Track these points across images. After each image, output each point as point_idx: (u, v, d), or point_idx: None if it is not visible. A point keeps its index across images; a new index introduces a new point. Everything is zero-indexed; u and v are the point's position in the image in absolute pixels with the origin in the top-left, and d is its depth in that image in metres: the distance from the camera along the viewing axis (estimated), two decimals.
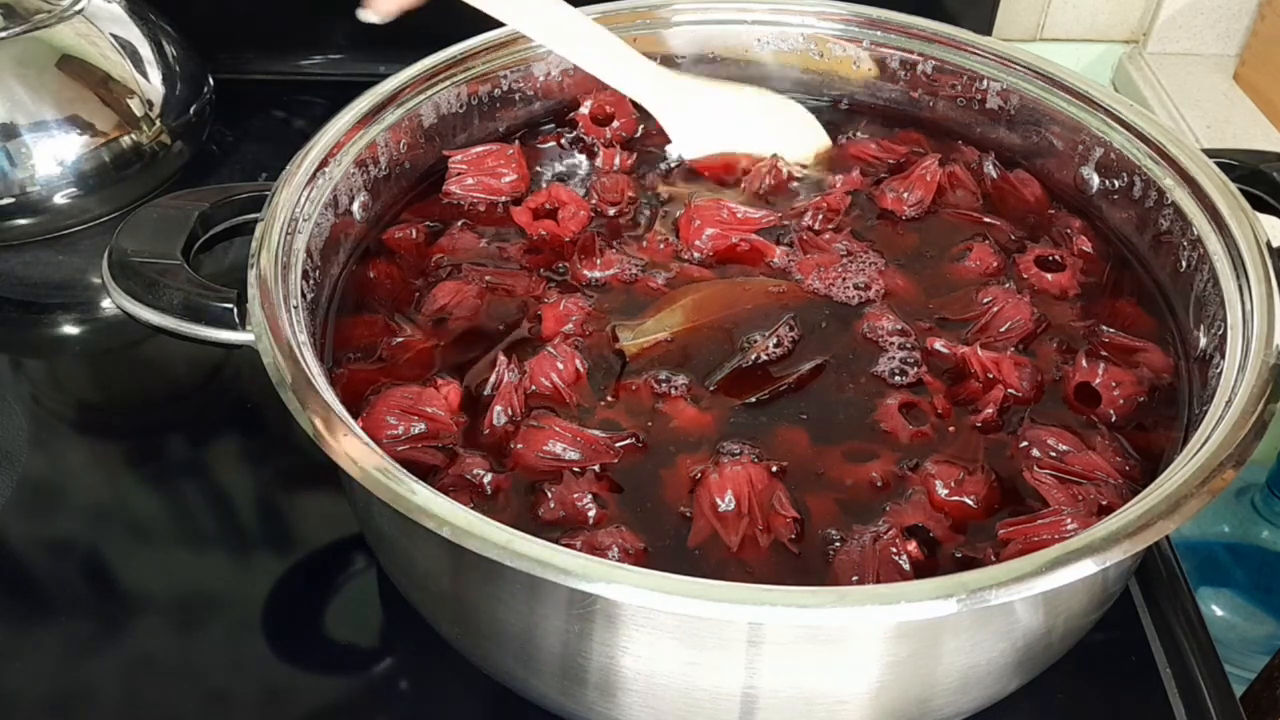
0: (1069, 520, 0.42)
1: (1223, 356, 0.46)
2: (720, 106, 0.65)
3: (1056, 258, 0.57)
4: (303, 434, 0.39)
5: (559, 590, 0.35)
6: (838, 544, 0.43)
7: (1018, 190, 0.62)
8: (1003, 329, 0.52)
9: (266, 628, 0.51)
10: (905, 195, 0.61)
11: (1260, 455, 0.49)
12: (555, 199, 0.60)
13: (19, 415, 0.64)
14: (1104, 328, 0.53)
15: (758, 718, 0.39)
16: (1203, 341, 0.50)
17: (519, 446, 0.46)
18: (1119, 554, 0.35)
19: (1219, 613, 0.74)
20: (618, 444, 0.46)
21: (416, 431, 0.47)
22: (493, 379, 0.49)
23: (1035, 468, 0.45)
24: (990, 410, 0.48)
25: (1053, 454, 0.46)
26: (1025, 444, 0.47)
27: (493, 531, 0.35)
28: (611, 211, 0.61)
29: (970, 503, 0.44)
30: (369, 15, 0.56)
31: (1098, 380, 0.49)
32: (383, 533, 0.46)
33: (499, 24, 0.63)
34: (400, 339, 0.52)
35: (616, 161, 0.64)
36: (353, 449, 0.38)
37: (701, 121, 0.65)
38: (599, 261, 0.56)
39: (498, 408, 0.48)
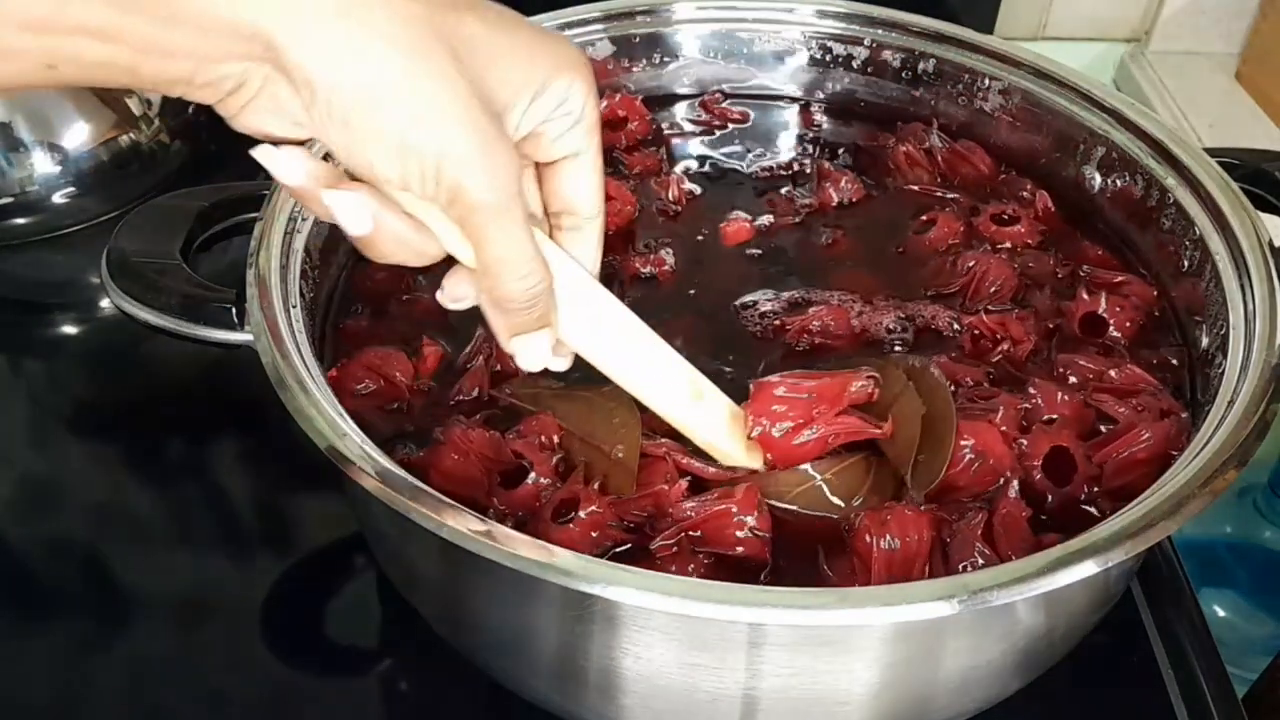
0: (1144, 431, 0.44)
1: (1225, 356, 0.46)
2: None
3: (1009, 214, 0.59)
4: (302, 434, 0.39)
5: (558, 591, 0.35)
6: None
7: (968, 159, 0.64)
8: (991, 290, 0.54)
9: (266, 628, 0.51)
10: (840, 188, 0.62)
11: (1262, 455, 0.49)
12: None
13: (19, 415, 0.64)
14: (1085, 268, 0.55)
15: (758, 718, 0.39)
16: (1205, 341, 0.50)
17: (429, 468, 0.44)
18: (1120, 554, 0.35)
19: (1221, 613, 0.74)
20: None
21: (371, 389, 0.48)
22: (468, 350, 0.50)
23: (1092, 391, 0.47)
24: (1028, 345, 0.50)
25: (1090, 375, 0.49)
26: (1062, 371, 0.49)
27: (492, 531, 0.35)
28: (673, 210, 0.61)
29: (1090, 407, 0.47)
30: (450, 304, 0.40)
31: (1102, 308, 0.52)
32: (382, 533, 0.46)
33: None
34: (410, 296, 0.53)
35: (638, 168, 0.64)
36: (351, 450, 0.38)
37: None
38: (651, 257, 0.56)
39: (467, 385, 0.48)
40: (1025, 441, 0.44)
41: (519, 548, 0.34)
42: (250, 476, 0.60)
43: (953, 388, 0.46)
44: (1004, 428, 0.44)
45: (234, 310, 0.45)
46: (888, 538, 0.40)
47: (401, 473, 0.37)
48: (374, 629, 0.52)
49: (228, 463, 0.61)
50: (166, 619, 0.52)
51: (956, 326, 0.52)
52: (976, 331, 0.52)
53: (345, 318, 0.53)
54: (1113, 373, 0.48)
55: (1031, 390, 0.47)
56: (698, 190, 0.63)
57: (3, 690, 0.49)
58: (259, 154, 0.33)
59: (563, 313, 0.38)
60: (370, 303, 0.54)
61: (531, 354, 0.38)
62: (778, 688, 0.38)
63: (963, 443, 0.43)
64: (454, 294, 0.37)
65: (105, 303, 0.67)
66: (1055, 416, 0.46)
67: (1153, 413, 0.46)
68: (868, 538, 0.40)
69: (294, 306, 0.45)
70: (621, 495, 0.42)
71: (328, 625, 0.52)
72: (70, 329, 0.71)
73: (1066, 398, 0.47)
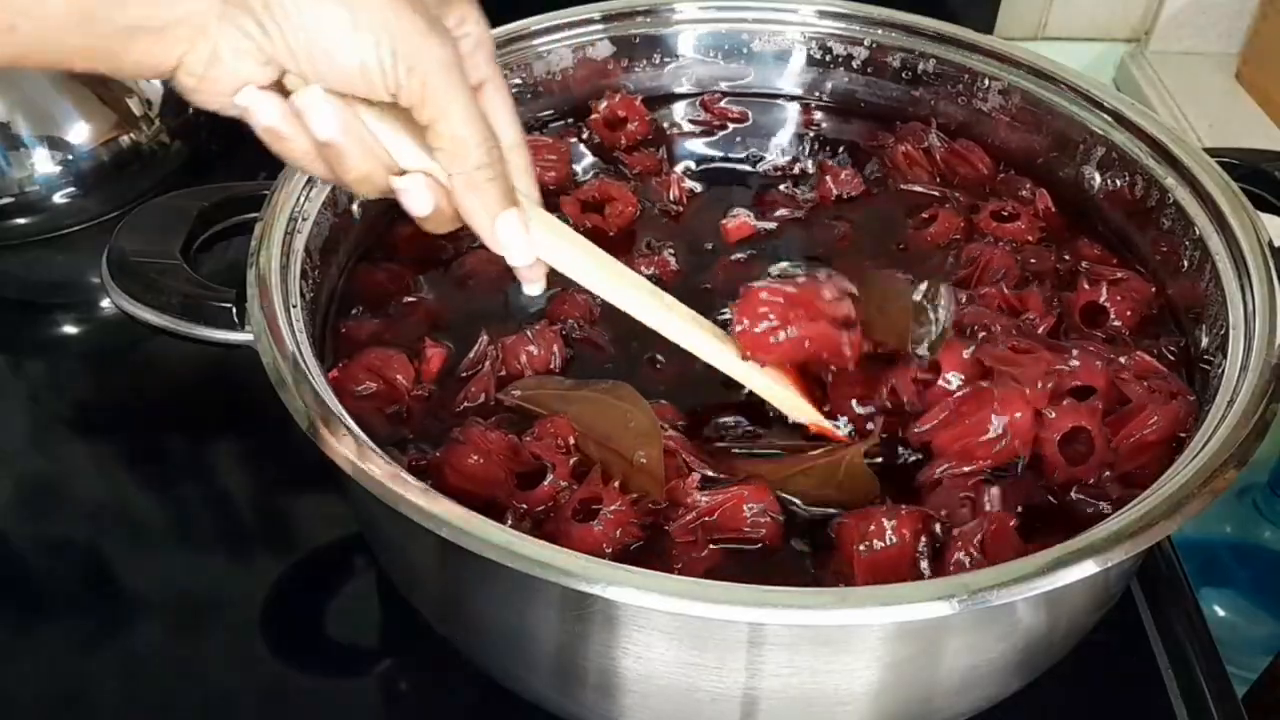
0: (1153, 414, 0.45)
1: (1224, 356, 0.46)
2: None
3: (1008, 210, 0.59)
4: (302, 434, 0.39)
5: (558, 591, 0.35)
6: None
7: (967, 159, 0.64)
8: (995, 280, 0.54)
9: (266, 628, 0.51)
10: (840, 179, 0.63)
11: (1262, 455, 0.49)
12: (604, 194, 0.60)
13: (19, 415, 0.64)
14: (1084, 264, 0.56)
15: (758, 718, 0.39)
16: (1204, 341, 0.49)
17: (446, 468, 0.44)
18: (1120, 554, 0.35)
19: (1221, 613, 0.74)
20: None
21: (372, 391, 0.48)
22: (471, 355, 0.50)
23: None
24: (1051, 321, 0.51)
25: (1101, 360, 0.48)
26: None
27: (492, 532, 0.35)
28: (674, 210, 0.61)
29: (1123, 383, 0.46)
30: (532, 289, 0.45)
31: (1102, 297, 0.52)
32: (382, 532, 0.46)
33: (496, 24, 0.64)
34: (411, 298, 0.53)
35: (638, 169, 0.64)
36: (352, 450, 0.38)
37: None
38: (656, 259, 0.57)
39: (472, 389, 0.48)
40: (1053, 413, 0.45)
41: (519, 547, 0.34)
42: (250, 476, 0.60)
43: (983, 333, 0.48)
44: (1036, 406, 0.44)
45: (234, 310, 0.45)
46: (870, 542, 0.40)
47: (402, 472, 0.37)
48: (374, 629, 0.52)
49: (228, 463, 0.61)
50: (166, 619, 0.52)
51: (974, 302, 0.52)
52: (996, 305, 0.52)
53: (345, 318, 0.53)
54: (1123, 359, 0.48)
55: (1074, 352, 0.46)
56: (699, 189, 0.63)
57: (3, 690, 0.49)
58: (241, 97, 0.36)
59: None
60: (370, 303, 0.54)
61: (515, 239, 0.41)
62: (778, 687, 0.38)
63: (994, 417, 0.44)
64: (414, 190, 0.39)
65: (105, 303, 0.67)
66: (1093, 387, 0.46)
67: (1162, 395, 0.46)
68: (850, 543, 0.41)
69: (294, 306, 0.46)
70: (647, 497, 0.43)
71: (328, 625, 0.52)
72: (70, 329, 0.71)
73: (1101, 366, 0.46)
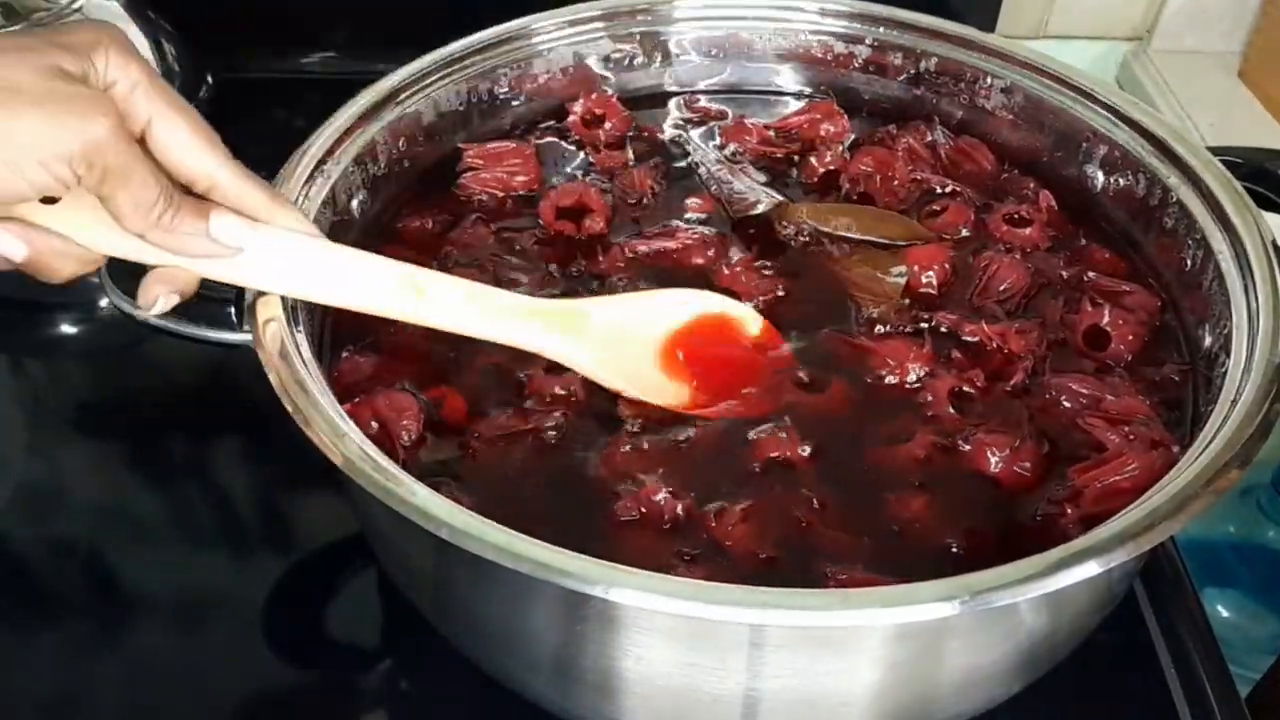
0: (1130, 461, 0.44)
1: (1228, 356, 0.45)
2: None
3: (1022, 214, 0.58)
4: (302, 434, 0.39)
5: (558, 592, 0.35)
6: None
7: (971, 156, 0.64)
8: (1001, 288, 0.54)
9: (266, 628, 0.51)
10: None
11: (1265, 455, 0.48)
12: (580, 201, 0.60)
13: (19, 415, 0.64)
14: (1090, 274, 0.55)
15: (759, 719, 0.39)
16: (1208, 341, 0.49)
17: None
18: (1123, 555, 0.35)
19: (1224, 613, 0.74)
20: None
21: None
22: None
23: (1085, 416, 0.47)
24: (1020, 376, 0.49)
25: (1083, 400, 0.48)
26: (1053, 394, 0.48)
27: (492, 533, 0.35)
28: (632, 201, 0.61)
29: (1024, 471, 0.45)
30: None
31: (1105, 320, 0.51)
32: (382, 532, 0.46)
33: (496, 23, 0.63)
34: (396, 330, 0.51)
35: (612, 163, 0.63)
36: (350, 450, 0.38)
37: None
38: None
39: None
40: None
41: (519, 548, 0.34)
42: (250, 476, 0.60)
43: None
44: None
45: (234, 310, 0.45)
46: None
47: (400, 472, 0.37)
48: (374, 629, 0.52)
49: (228, 463, 0.61)
50: (166, 619, 0.52)
51: (961, 330, 0.52)
52: (976, 339, 0.51)
53: (338, 358, 0.51)
54: (1110, 397, 0.47)
55: (963, 444, 0.46)
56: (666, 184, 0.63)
57: (3, 690, 0.49)
58: None
59: (258, 266, 0.42)
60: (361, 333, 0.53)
61: (231, 236, 0.41)
62: (779, 688, 0.38)
63: None
64: (148, 298, 0.41)
65: (105, 303, 0.67)
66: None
67: (1143, 442, 0.45)
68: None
69: (294, 306, 0.45)
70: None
71: (328, 625, 0.52)
72: (70, 329, 0.71)
73: (1001, 456, 0.45)
